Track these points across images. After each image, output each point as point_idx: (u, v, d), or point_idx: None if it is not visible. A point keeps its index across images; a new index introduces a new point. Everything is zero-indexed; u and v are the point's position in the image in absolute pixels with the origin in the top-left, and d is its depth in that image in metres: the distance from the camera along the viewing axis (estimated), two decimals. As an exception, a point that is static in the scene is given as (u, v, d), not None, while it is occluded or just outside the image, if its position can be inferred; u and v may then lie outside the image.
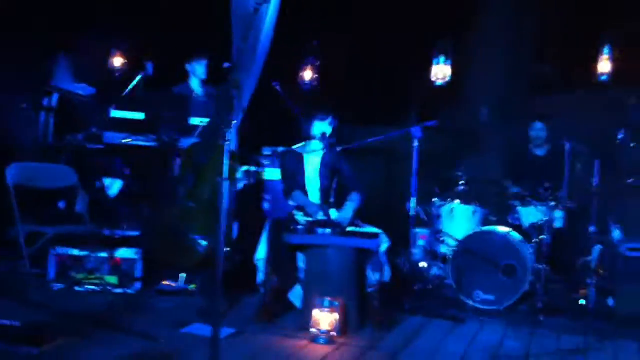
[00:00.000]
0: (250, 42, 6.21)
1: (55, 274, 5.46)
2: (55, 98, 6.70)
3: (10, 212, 5.44)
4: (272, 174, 6.29)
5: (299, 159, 5.47)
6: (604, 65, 6.96)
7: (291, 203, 5.34)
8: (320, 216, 5.15)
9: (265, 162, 6.44)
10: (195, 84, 6.77)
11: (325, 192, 5.40)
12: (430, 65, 6.92)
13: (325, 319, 4.55)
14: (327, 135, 5.41)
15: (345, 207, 5.26)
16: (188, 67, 6.76)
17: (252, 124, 6.56)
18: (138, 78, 6.51)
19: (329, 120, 5.42)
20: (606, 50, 6.93)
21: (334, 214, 5.27)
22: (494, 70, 7.67)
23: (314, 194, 5.40)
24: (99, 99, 6.70)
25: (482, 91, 7.68)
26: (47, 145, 6.62)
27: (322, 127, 5.40)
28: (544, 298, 5.42)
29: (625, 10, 6.97)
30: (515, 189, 6.45)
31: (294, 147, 5.69)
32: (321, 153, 5.46)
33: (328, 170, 5.44)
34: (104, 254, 5.52)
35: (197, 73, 6.73)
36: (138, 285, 5.51)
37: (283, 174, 5.51)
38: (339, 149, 5.60)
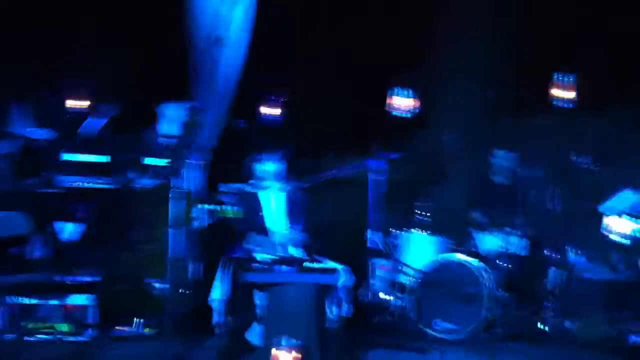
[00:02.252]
0: (215, 82, 6.21)
1: (6, 324, 5.30)
2: (6, 143, 6.61)
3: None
4: (232, 212, 6.23)
5: (254, 199, 5.41)
6: (559, 90, 7.05)
7: (249, 246, 5.26)
8: (279, 253, 5.10)
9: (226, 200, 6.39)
10: (163, 127, 6.71)
11: (291, 230, 5.34)
12: (391, 96, 6.99)
13: (285, 357, 4.48)
14: (277, 171, 5.38)
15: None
16: (158, 110, 6.71)
17: (213, 162, 6.52)
18: (90, 119, 6.45)
19: (278, 158, 5.39)
20: (557, 76, 7.04)
21: (293, 251, 5.22)
22: (452, 99, 7.74)
23: (281, 231, 5.35)
24: (52, 142, 6.61)
25: (446, 119, 7.72)
26: (2, 192, 6.51)
27: (272, 165, 5.38)
28: (504, 324, 5.43)
29: (579, 38, 7.11)
30: (481, 216, 6.45)
31: (248, 186, 5.61)
32: (284, 191, 5.40)
33: (294, 207, 5.39)
34: (55, 302, 5.38)
35: (166, 115, 6.69)
36: (92, 332, 5.37)
37: (245, 212, 5.40)
38: (304, 185, 5.55)
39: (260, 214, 5.36)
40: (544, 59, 7.23)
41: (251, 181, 5.61)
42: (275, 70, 7.39)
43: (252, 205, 5.38)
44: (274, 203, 5.40)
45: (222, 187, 6.60)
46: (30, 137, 6.72)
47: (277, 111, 7.43)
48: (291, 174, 5.52)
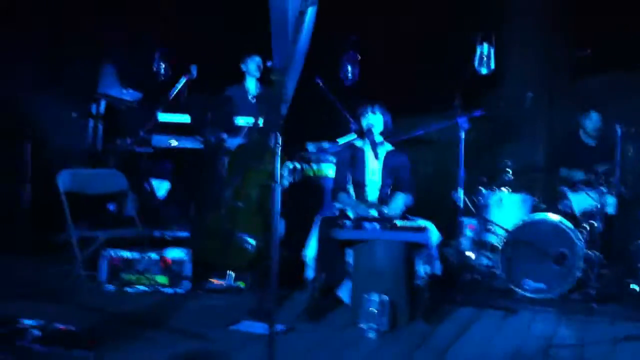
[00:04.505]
0: (297, 42, 6.23)
1: (107, 276, 5.54)
2: (103, 105, 6.85)
3: (62, 217, 5.59)
4: (321, 170, 6.31)
5: (359, 154, 5.39)
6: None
7: (337, 205, 5.30)
8: (371, 210, 5.12)
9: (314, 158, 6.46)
10: (251, 84, 6.81)
11: (383, 190, 5.34)
12: (473, 53, 6.82)
13: (374, 314, 4.53)
14: (377, 127, 5.33)
15: (395, 202, 5.22)
16: (243, 66, 6.81)
17: (295, 120, 6.57)
18: (183, 81, 6.60)
19: (375, 110, 5.34)
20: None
21: (385, 209, 5.22)
22: (537, 55, 7.55)
23: (373, 191, 5.36)
24: (145, 103, 6.81)
25: (526, 77, 7.56)
26: (97, 151, 6.76)
27: (369, 119, 5.34)
28: (597, 285, 5.34)
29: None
30: (576, 173, 6.32)
31: (355, 140, 5.60)
32: (384, 150, 5.40)
33: (389, 168, 5.36)
34: (153, 255, 5.58)
35: (251, 71, 6.78)
36: (188, 284, 5.57)
37: (337, 170, 5.46)
38: (390, 143, 5.51)
39: (364, 171, 5.35)
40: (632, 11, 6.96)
41: (350, 136, 5.63)
42: (354, 27, 7.35)
43: (353, 163, 5.36)
44: (378, 163, 5.37)
45: (311, 146, 6.69)
46: (124, 98, 6.96)
47: (356, 69, 7.39)
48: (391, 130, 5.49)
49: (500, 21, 7.28)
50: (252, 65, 6.77)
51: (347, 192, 5.31)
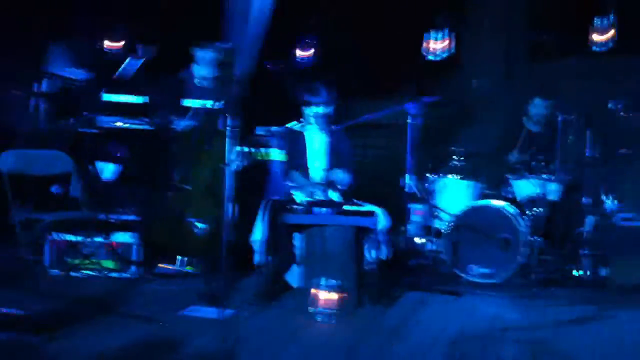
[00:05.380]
0: (248, 22, 6.18)
1: (52, 260, 5.44)
2: (46, 83, 6.66)
3: (4, 199, 5.44)
4: (269, 154, 6.30)
5: (299, 138, 5.44)
6: (598, 34, 6.93)
7: (289, 184, 5.34)
8: (318, 196, 5.15)
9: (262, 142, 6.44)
10: (200, 69, 6.74)
11: (326, 172, 5.38)
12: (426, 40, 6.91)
13: (324, 298, 4.57)
14: (325, 114, 5.38)
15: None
16: (193, 52, 6.75)
17: (246, 104, 6.54)
18: (128, 60, 6.48)
19: (324, 99, 5.38)
20: (595, 19, 6.90)
21: (332, 195, 5.27)
22: (488, 42, 7.65)
23: (317, 173, 5.40)
24: (90, 83, 6.66)
25: (476, 64, 7.65)
26: (40, 131, 6.59)
27: (317, 107, 5.38)
28: (540, 270, 5.49)
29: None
30: (517, 162, 6.43)
31: (295, 125, 5.64)
32: (325, 132, 5.42)
33: (331, 149, 5.42)
34: (100, 239, 5.50)
35: (202, 58, 6.72)
36: (136, 269, 5.51)
37: (286, 154, 5.53)
38: (336, 127, 5.57)
39: (305, 155, 5.40)
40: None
41: (298, 121, 5.65)
42: (308, 11, 7.33)
43: (295, 147, 5.41)
44: (321, 145, 5.42)
45: (260, 130, 6.67)
46: (69, 77, 6.78)
47: (310, 53, 7.39)
48: (335, 116, 5.53)
49: (457, 7, 7.34)
50: (204, 53, 6.71)
51: (297, 171, 5.35)
